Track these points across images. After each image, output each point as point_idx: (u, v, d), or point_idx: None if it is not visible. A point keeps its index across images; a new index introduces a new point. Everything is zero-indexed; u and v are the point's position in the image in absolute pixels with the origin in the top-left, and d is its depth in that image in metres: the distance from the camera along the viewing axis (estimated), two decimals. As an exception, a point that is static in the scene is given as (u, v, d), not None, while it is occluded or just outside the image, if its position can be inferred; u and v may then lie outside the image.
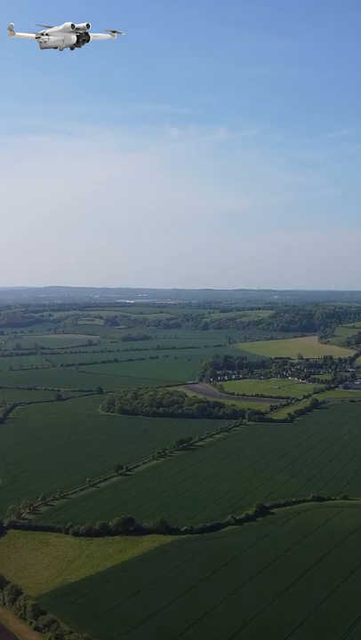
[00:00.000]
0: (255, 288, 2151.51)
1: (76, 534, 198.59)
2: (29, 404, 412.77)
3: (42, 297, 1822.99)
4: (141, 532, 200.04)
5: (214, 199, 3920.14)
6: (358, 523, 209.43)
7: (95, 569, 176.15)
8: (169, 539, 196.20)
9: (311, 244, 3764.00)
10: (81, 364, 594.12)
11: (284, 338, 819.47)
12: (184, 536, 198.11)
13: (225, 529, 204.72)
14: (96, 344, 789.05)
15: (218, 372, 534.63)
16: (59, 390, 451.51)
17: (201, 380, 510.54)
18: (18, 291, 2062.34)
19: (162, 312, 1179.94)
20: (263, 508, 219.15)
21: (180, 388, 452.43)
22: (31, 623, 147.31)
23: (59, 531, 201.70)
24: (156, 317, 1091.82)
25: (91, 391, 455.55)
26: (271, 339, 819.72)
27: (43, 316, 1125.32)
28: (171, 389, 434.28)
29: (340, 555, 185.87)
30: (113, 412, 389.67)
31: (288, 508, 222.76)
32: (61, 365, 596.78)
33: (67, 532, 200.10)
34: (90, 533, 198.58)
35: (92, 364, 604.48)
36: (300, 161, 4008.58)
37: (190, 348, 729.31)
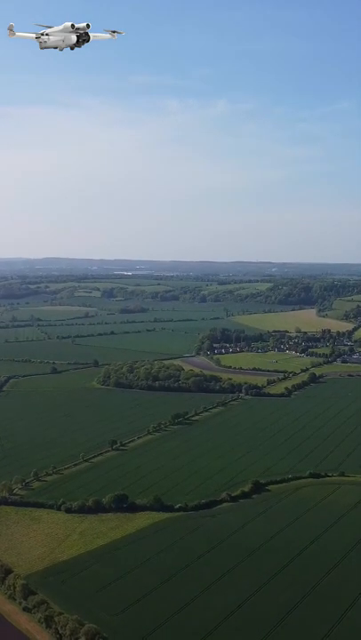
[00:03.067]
0: (254, 260, 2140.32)
1: (69, 511, 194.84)
2: (24, 376, 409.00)
3: (39, 268, 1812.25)
4: (135, 508, 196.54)
5: (214, 173, 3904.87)
6: (356, 500, 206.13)
7: (87, 547, 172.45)
8: (163, 516, 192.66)
9: (310, 218, 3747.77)
10: (77, 337, 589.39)
11: (282, 311, 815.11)
12: (178, 513, 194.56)
13: (220, 506, 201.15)
14: (93, 316, 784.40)
15: (215, 346, 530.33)
16: (54, 363, 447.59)
17: (198, 354, 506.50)
18: (15, 262, 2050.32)
19: (159, 284, 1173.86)
20: (259, 484, 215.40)
21: (177, 362, 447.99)
22: (20, 603, 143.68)
23: (51, 507, 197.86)
24: (154, 289, 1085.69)
25: (86, 364, 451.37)
26: (269, 312, 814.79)
27: (39, 287, 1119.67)
28: (167, 363, 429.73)
29: (338, 533, 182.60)
30: (108, 385, 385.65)
31: (284, 484, 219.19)
32: (57, 337, 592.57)
33: (59, 509, 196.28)
34: (83, 510, 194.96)
35: (89, 336, 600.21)
36: (299, 135, 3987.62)
37: (188, 320, 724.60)
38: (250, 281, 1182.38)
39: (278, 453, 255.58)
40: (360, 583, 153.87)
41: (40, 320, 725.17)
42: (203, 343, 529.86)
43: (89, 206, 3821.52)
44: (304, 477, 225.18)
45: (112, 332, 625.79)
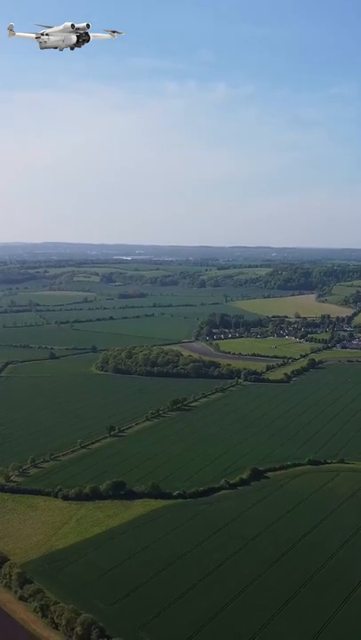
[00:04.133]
0: (253, 245, 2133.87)
1: (66, 498, 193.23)
2: (22, 362, 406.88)
3: (38, 253, 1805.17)
4: (133, 496, 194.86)
5: (214, 158, 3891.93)
6: (355, 487, 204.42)
7: (84, 535, 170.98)
8: (160, 503, 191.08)
9: (310, 203, 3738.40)
10: (75, 322, 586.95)
11: (281, 296, 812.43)
12: (176, 501, 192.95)
13: (218, 493, 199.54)
14: (91, 301, 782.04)
15: (214, 331, 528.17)
16: (52, 348, 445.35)
17: (197, 339, 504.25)
18: (14, 247, 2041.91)
19: (159, 269, 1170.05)
20: (258, 472, 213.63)
21: (176, 347, 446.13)
22: (16, 592, 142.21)
23: (48, 494, 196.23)
24: (153, 274, 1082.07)
25: (85, 349, 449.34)
26: (268, 297, 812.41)
27: (38, 272, 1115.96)
28: (166, 348, 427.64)
29: (337, 520, 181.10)
30: (107, 371, 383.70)
31: (283, 472, 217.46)
32: (56, 323, 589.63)
33: (56, 496, 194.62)
34: (80, 497, 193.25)
35: (87, 321, 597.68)
36: (299, 120, 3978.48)
37: (187, 305, 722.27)
38: (249, 266, 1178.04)
39: (277, 440, 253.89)
40: (360, 571, 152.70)
41: (39, 305, 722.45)
42: (202, 328, 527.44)
43: (89, 191, 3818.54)
44: (303, 464, 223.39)
45: (111, 318, 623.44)
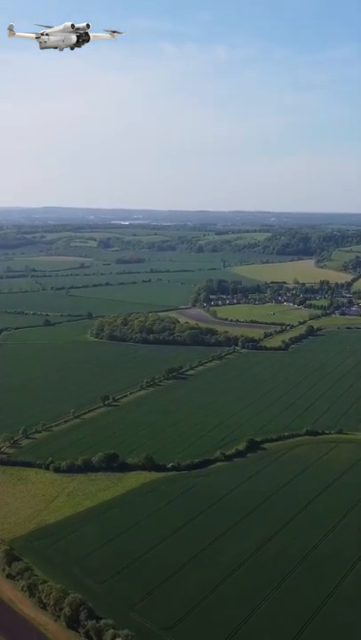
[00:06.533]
0: (252, 210, 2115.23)
1: (57, 470, 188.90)
2: (17, 329, 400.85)
3: (36, 218, 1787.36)
4: (126, 468, 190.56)
5: (213, 121, 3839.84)
6: (354, 459, 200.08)
7: (75, 509, 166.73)
8: (154, 476, 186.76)
9: (310, 167, 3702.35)
10: (71, 288, 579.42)
11: (280, 261, 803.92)
12: (170, 473, 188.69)
13: (214, 465, 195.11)
14: (88, 267, 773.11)
15: (211, 297, 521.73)
16: (47, 315, 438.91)
17: (194, 305, 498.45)
18: (12, 211, 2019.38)
19: (156, 234, 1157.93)
20: (254, 443, 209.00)
21: (173, 314, 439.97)
22: (4, 570, 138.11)
23: (39, 466, 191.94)
24: (151, 239, 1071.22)
25: (80, 316, 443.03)
26: (267, 262, 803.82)
27: (35, 237, 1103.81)
28: (162, 315, 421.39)
29: (335, 493, 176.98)
30: (102, 338, 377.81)
31: (280, 443, 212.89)
32: (52, 289, 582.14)
33: (47, 468, 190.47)
34: (72, 470, 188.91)
35: (83, 287, 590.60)
36: (299, 81, 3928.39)
37: (184, 271, 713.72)
38: (248, 231, 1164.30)
39: (274, 410, 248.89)
40: (359, 544, 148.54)
41: (35, 271, 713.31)
42: (199, 295, 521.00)
43: (87, 154, 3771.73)
44: (300, 435, 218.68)
45: (107, 284, 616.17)
